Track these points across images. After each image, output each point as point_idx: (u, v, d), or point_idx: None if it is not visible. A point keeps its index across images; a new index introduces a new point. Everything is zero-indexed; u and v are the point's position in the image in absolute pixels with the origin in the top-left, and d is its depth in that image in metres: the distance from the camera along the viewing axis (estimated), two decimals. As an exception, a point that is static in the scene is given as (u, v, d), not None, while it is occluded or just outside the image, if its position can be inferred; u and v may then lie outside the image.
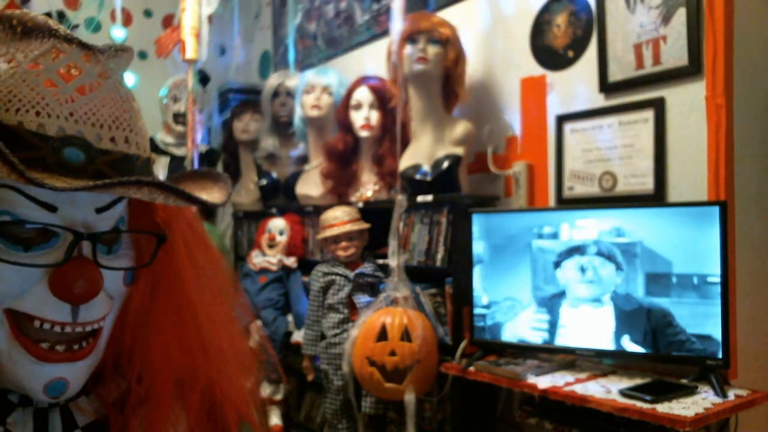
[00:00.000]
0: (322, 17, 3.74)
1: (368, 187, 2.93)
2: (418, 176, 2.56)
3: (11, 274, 0.59)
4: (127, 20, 3.84)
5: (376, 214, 2.77)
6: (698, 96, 2.00)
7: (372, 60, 3.30)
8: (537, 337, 2.17)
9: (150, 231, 0.67)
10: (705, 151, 1.97)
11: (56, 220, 0.60)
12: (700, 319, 1.86)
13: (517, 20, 2.57)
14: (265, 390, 3.06)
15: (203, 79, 3.81)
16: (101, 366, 0.67)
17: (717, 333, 1.83)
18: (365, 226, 2.75)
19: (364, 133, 2.88)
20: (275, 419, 3.13)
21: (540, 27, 2.49)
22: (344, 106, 2.97)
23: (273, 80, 3.65)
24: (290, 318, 3.23)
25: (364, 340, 2.44)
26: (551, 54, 2.45)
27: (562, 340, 2.11)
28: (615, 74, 2.22)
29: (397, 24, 2.52)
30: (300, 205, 3.36)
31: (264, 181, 3.74)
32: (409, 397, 2.35)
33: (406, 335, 2.37)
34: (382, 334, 2.40)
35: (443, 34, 2.49)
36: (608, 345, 2.02)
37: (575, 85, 2.37)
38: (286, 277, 3.26)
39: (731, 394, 1.78)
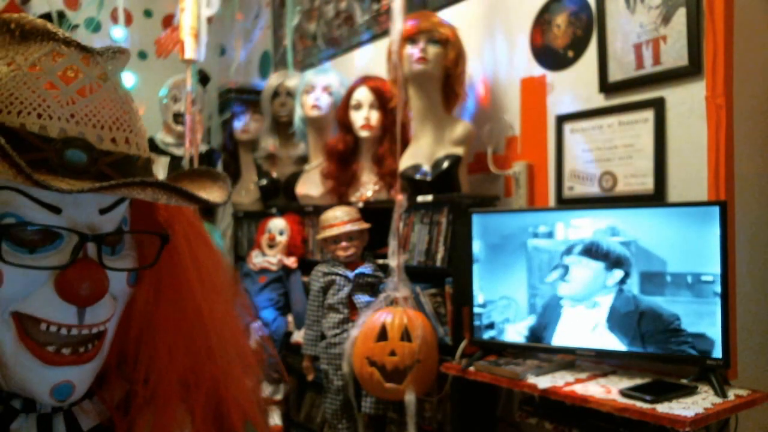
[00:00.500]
0: (322, 17, 3.73)
1: (368, 187, 2.93)
2: (418, 176, 2.56)
3: (17, 276, 0.58)
4: (128, 20, 3.84)
5: (376, 214, 2.77)
6: (698, 96, 2.00)
7: (372, 60, 3.30)
8: (532, 338, 2.17)
9: (153, 231, 0.67)
10: (705, 151, 1.97)
11: (61, 221, 0.60)
12: (695, 318, 1.86)
13: (517, 20, 2.57)
14: (265, 390, 3.06)
15: (203, 79, 3.80)
16: (104, 368, 0.67)
17: (713, 332, 1.83)
18: (365, 226, 2.75)
19: (364, 133, 2.88)
20: (275, 419, 3.13)
21: (540, 27, 2.49)
22: (344, 106, 2.97)
23: (273, 80, 3.66)
24: (290, 318, 3.24)
25: (364, 340, 2.44)
26: (551, 54, 2.45)
27: (558, 339, 2.11)
28: (615, 74, 2.22)
29: (397, 24, 2.51)
30: (300, 205, 3.36)
31: (264, 181, 3.75)
32: (409, 397, 2.35)
33: (406, 335, 2.37)
34: (382, 334, 2.40)
35: (443, 34, 2.49)
36: (606, 345, 2.02)
37: (575, 85, 2.37)
38: (286, 277, 3.27)
39: (731, 394, 1.78)
